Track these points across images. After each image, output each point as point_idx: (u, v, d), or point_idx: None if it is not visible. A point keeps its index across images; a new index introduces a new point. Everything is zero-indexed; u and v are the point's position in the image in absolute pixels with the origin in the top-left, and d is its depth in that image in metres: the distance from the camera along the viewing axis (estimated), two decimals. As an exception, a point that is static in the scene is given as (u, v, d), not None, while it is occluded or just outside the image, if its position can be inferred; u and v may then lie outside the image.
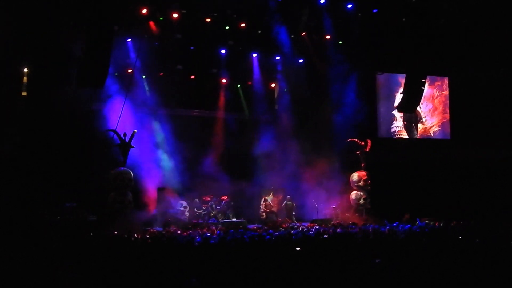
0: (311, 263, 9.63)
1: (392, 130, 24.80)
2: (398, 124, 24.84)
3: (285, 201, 21.47)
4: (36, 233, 14.43)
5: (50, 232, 14.91)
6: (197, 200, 20.42)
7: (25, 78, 18.85)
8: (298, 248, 11.20)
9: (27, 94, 18.90)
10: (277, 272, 8.96)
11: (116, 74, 19.75)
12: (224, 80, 23.13)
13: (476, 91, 23.60)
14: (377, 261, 9.30)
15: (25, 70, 18.91)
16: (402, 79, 22.46)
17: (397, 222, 17.20)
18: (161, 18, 19.59)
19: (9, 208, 16.36)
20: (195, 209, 20.26)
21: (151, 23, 19.62)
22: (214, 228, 17.73)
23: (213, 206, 20.50)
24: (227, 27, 20.74)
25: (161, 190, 19.93)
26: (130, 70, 19.84)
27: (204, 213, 20.18)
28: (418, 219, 17.81)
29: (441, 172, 22.72)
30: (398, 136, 24.82)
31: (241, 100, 23.95)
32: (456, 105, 24.80)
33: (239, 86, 23.96)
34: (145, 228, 17.57)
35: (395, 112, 24.55)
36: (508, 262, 9.78)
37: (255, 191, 21.63)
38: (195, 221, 19.62)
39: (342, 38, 21.74)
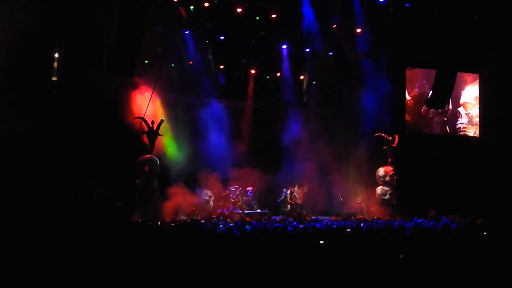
0: (334, 257, 9.60)
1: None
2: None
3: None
4: (63, 217, 14.62)
5: (77, 216, 15.08)
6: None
7: (55, 63, 19.00)
8: (321, 242, 11.17)
9: (57, 79, 19.06)
10: (299, 265, 8.95)
11: (146, 62, 19.80)
12: (253, 71, 23.09)
13: (508, 88, 23.10)
14: (401, 256, 9.25)
15: (56, 55, 19.06)
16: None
17: (422, 219, 17.06)
18: (191, 8, 19.63)
19: (38, 192, 16.56)
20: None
21: (182, 12, 19.64)
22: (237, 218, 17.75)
23: (238, 196, 20.57)
24: (257, 18, 20.71)
25: (187, 179, 20.02)
26: (160, 59, 19.88)
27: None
28: (443, 216, 17.60)
29: (469, 169, 22.33)
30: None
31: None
32: (487, 101, 24.28)
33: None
34: (171, 216, 17.69)
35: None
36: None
37: (281, 183, 21.65)
38: (220, 210, 19.69)
39: (373, 32, 21.50)
